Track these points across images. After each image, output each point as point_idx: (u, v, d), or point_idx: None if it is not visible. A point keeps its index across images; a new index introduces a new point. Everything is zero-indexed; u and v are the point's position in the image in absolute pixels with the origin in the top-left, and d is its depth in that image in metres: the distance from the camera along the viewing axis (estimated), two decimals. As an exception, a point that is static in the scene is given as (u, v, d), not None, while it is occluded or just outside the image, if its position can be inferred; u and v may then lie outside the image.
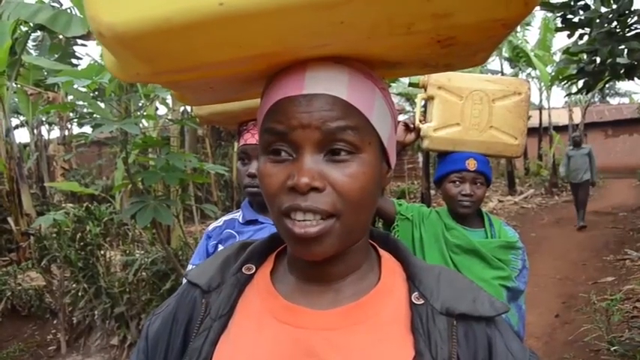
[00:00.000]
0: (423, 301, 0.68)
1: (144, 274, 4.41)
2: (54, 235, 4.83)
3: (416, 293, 0.69)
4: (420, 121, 1.88)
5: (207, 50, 0.63)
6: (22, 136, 36.59)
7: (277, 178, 0.64)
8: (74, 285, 4.66)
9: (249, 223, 1.68)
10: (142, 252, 4.80)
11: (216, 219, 1.81)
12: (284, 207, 0.63)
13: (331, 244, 0.64)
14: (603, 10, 3.78)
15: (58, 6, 7.60)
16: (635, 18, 3.67)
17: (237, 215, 1.74)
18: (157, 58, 0.65)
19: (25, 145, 12.44)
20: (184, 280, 1.65)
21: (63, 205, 7.54)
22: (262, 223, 1.66)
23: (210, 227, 1.75)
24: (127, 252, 4.94)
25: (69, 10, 7.03)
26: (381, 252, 0.77)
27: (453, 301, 0.68)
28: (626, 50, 3.70)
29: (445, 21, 0.59)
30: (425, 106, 1.93)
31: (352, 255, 0.71)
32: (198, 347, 0.69)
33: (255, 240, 0.81)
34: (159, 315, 0.78)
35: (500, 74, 14.62)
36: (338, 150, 0.63)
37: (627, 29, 3.70)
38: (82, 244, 4.58)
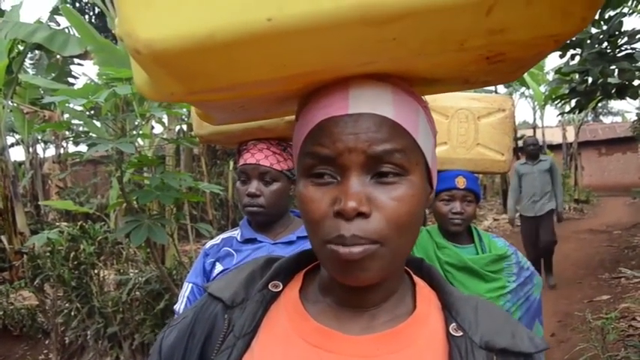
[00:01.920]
0: (461, 333, 0.65)
1: (138, 293, 4.37)
2: (47, 253, 4.80)
3: (454, 324, 0.66)
4: None
5: (249, 69, 0.60)
6: (17, 154, 36.53)
7: (322, 203, 0.61)
8: (67, 304, 4.61)
9: (248, 241, 1.68)
10: (136, 271, 4.77)
11: (211, 238, 1.81)
12: (328, 238, 0.60)
13: (376, 269, 0.61)
14: (594, 30, 3.84)
15: (56, 26, 7.67)
16: (625, 39, 3.73)
17: (236, 233, 1.74)
18: (194, 77, 0.62)
19: (20, 164, 12.41)
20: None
21: (57, 223, 7.52)
22: (261, 242, 1.66)
23: (208, 245, 1.75)
24: (121, 271, 4.91)
25: (66, 30, 7.09)
26: (415, 279, 0.74)
27: (493, 335, 0.65)
28: (616, 70, 3.75)
29: (499, 37, 0.57)
30: None
31: (389, 281, 0.68)
32: None
33: (281, 256, 0.78)
34: (174, 327, 0.75)
35: (494, 93, 14.75)
36: (386, 172, 0.61)
37: (618, 50, 3.76)
38: (75, 263, 4.54)
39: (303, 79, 0.63)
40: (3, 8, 8.34)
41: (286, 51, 0.56)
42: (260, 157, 1.61)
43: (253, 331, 0.68)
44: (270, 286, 0.72)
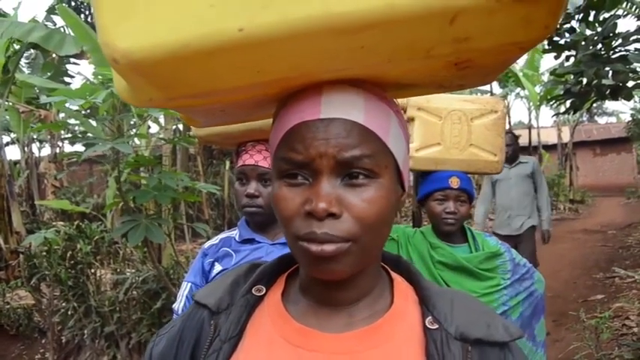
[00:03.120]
0: (437, 326, 0.67)
1: (134, 292, 4.38)
2: (44, 253, 4.80)
3: (430, 318, 0.68)
4: None
5: (225, 76, 0.62)
6: (12, 153, 36.37)
7: (293, 202, 0.64)
8: (64, 304, 4.62)
9: (246, 241, 1.69)
10: (133, 271, 4.77)
11: (208, 238, 1.82)
12: (301, 234, 0.63)
13: (348, 263, 0.63)
14: (588, 32, 3.86)
15: (52, 25, 7.66)
16: (620, 40, 3.75)
17: (234, 233, 1.75)
18: (172, 85, 0.64)
19: (16, 163, 12.39)
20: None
21: (53, 223, 7.51)
22: (259, 242, 1.68)
23: (207, 245, 1.76)
24: (118, 270, 4.92)
25: (62, 29, 7.08)
26: (393, 275, 0.76)
27: (468, 326, 0.67)
28: (610, 72, 3.78)
29: (465, 45, 0.59)
30: None
31: (365, 278, 0.71)
32: None
33: (264, 261, 0.80)
34: (163, 336, 0.77)
35: (489, 94, 14.81)
36: (356, 174, 0.63)
37: (612, 51, 3.78)
38: (72, 262, 4.55)
39: (278, 84, 0.66)
40: (3, 10, 8.32)
41: (259, 59, 0.58)
42: (259, 158, 1.63)
43: (238, 335, 0.70)
44: (253, 291, 0.74)
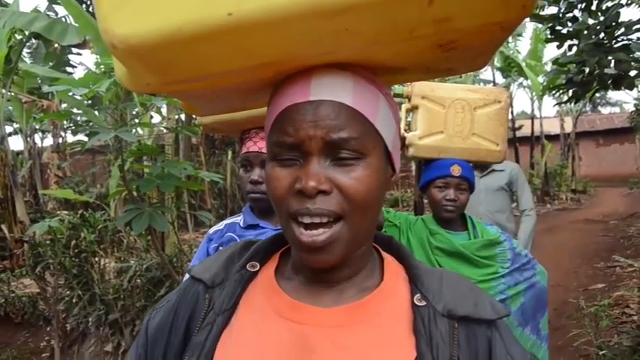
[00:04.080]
0: (425, 303, 0.69)
1: (138, 280, 4.42)
2: (48, 242, 4.83)
3: (418, 295, 0.70)
4: (405, 130, 1.97)
5: (217, 59, 0.65)
6: (15, 143, 36.41)
7: (285, 182, 0.66)
8: (68, 292, 4.66)
9: (250, 227, 1.72)
10: (137, 259, 4.81)
11: (211, 226, 1.85)
12: (292, 210, 0.66)
13: (339, 251, 0.66)
14: (591, 22, 3.85)
15: (54, 15, 7.65)
16: (622, 30, 3.74)
17: (239, 219, 1.78)
18: (167, 69, 0.67)
19: (19, 153, 12.41)
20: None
21: (57, 212, 7.55)
22: (263, 227, 1.70)
23: (212, 230, 1.80)
24: (122, 259, 4.95)
25: (64, 19, 7.07)
26: (384, 254, 0.79)
27: (455, 303, 0.69)
28: (613, 61, 3.77)
29: (446, 25, 0.61)
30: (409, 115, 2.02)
31: (356, 259, 0.73)
32: (201, 342, 0.70)
33: (259, 240, 0.83)
34: (159, 310, 0.79)
35: (492, 84, 14.76)
36: (344, 155, 0.65)
37: (614, 41, 3.76)
38: (76, 251, 4.58)
39: (269, 68, 0.68)
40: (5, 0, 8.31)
41: (248, 42, 0.61)
42: (262, 144, 1.65)
43: (232, 308, 0.73)
44: (248, 267, 0.77)
